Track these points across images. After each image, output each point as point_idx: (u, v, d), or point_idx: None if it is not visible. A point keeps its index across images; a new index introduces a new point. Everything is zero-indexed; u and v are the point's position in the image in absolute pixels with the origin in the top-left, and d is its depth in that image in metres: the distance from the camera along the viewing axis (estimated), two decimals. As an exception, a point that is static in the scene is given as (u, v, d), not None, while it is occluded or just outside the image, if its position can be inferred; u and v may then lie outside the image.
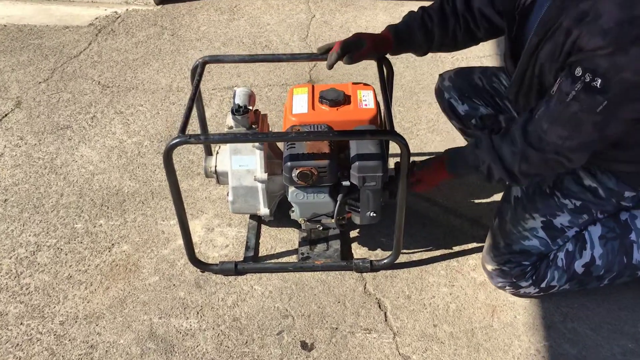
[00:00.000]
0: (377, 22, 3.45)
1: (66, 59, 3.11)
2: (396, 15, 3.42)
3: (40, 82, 2.90)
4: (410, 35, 1.78)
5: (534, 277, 1.66)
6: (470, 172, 1.62)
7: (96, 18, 3.54)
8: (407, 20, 1.81)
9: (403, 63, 3.01)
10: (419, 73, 2.95)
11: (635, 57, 1.26)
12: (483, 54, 3.09)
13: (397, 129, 2.58)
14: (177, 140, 1.52)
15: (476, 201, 2.15)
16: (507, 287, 1.73)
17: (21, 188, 2.21)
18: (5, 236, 2.00)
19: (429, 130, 2.53)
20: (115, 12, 3.61)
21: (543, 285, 1.67)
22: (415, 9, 1.81)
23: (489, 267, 1.73)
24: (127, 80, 2.92)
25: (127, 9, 3.64)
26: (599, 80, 1.29)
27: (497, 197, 2.13)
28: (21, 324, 1.70)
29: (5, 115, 2.65)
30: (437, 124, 2.55)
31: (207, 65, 3.05)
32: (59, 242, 1.98)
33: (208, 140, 1.59)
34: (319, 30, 3.38)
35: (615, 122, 1.36)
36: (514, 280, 1.68)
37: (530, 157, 1.48)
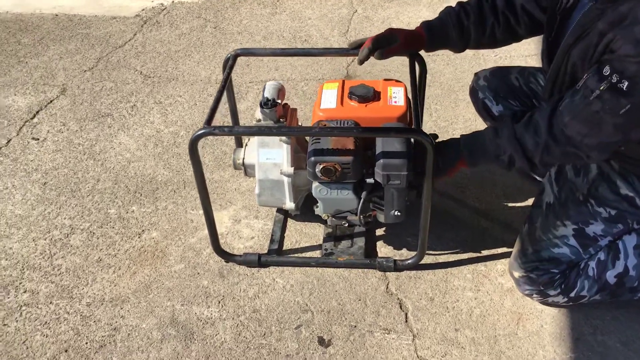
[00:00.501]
0: (420, 18, 3.39)
1: (112, 48, 3.20)
2: (440, 12, 3.35)
3: (85, 71, 2.99)
4: (445, 33, 1.74)
5: (562, 286, 1.60)
6: (490, 161, 1.57)
7: (143, 9, 3.63)
8: (443, 17, 1.77)
9: (444, 60, 2.95)
10: (460, 71, 2.89)
11: None
12: (528, 53, 2.99)
13: (433, 127, 2.56)
14: (202, 131, 1.53)
15: (509, 204, 2.09)
16: (535, 295, 1.67)
17: (60, 172, 2.29)
18: (42, 218, 2.08)
19: (465, 130, 2.46)
20: (162, 4, 3.69)
21: (572, 294, 1.61)
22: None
23: (516, 274, 1.67)
24: (168, 71, 2.97)
25: (173, 1, 3.71)
26: (626, 83, 1.26)
27: (532, 201, 2.05)
28: (50, 303, 1.76)
29: (51, 101, 2.74)
30: (475, 124, 2.49)
31: (247, 59, 3.10)
32: (92, 226, 2.04)
33: (232, 133, 1.60)
34: (360, 26, 3.36)
35: (639, 127, 1.31)
36: (542, 289, 1.63)
37: (552, 149, 1.45)
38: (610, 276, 1.57)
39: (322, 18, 3.46)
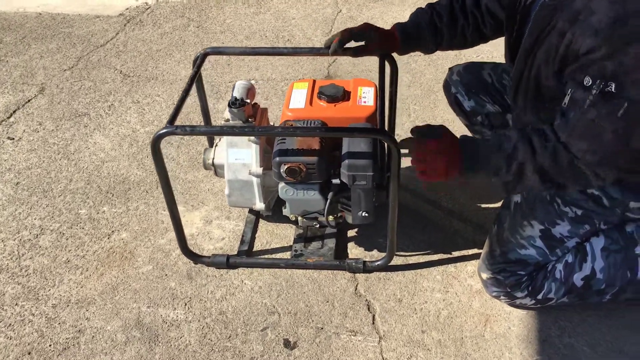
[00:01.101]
0: (404, 18, 3.35)
1: (93, 47, 3.18)
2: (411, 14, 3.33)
3: (65, 70, 2.97)
4: (419, 35, 1.74)
5: (529, 288, 1.59)
6: (487, 176, 1.44)
7: (127, 8, 3.61)
8: (415, 19, 1.77)
9: (425, 61, 2.93)
10: (441, 71, 2.87)
11: (637, 55, 1.17)
12: (510, 53, 2.97)
13: (411, 127, 2.52)
14: (164, 130, 1.51)
15: (483, 205, 2.07)
16: (502, 297, 1.65)
17: (33, 172, 2.27)
18: (13, 218, 2.06)
19: (442, 130, 2.45)
20: (146, 2, 3.67)
21: (539, 297, 1.59)
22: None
23: (484, 276, 1.66)
24: (148, 71, 2.96)
25: (157, 0, 3.69)
26: (613, 85, 1.19)
27: (506, 202, 2.04)
28: (16, 304, 1.75)
29: (29, 100, 2.72)
30: (453, 125, 2.44)
31: (228, 58, 3.07)
32: (61, 227, 2.02)
33: (194, 132, 1.59)
34: (344, 26, 3.31)
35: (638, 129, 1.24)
36: (509, 290, 1.61)
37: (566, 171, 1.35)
38: (577, 279, 1.55)
39: (306, 18, 3.44)
